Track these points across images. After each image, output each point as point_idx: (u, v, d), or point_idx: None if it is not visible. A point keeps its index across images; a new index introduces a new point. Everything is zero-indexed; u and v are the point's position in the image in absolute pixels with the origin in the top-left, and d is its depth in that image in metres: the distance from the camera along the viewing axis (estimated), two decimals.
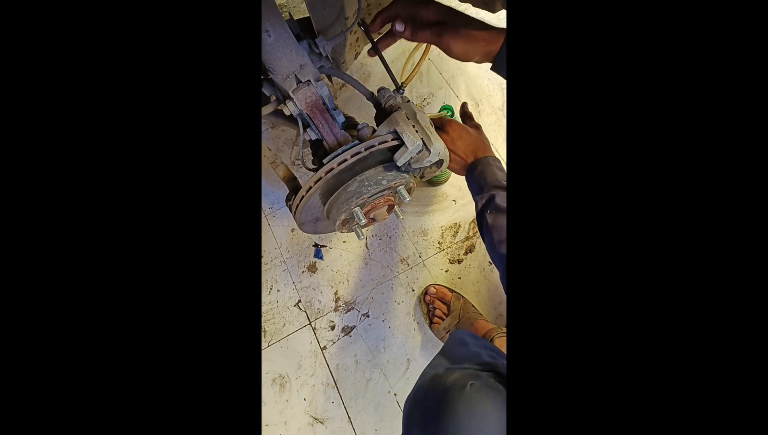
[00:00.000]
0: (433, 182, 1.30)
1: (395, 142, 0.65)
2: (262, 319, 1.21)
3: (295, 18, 0.78)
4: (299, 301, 1.22)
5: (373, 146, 0.63)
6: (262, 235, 1.29)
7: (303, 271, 1.25)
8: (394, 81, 0.74)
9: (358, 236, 0.79)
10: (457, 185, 1.30)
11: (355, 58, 0.96)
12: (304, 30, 0.75)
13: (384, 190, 0.70)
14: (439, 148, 0.67)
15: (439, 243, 1.25)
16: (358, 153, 0.62)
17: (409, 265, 1.23)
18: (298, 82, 0.60)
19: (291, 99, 0.61)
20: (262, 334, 1.19)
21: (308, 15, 0.75)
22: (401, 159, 0.65)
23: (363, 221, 0.70)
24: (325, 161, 0.63)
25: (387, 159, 0.68)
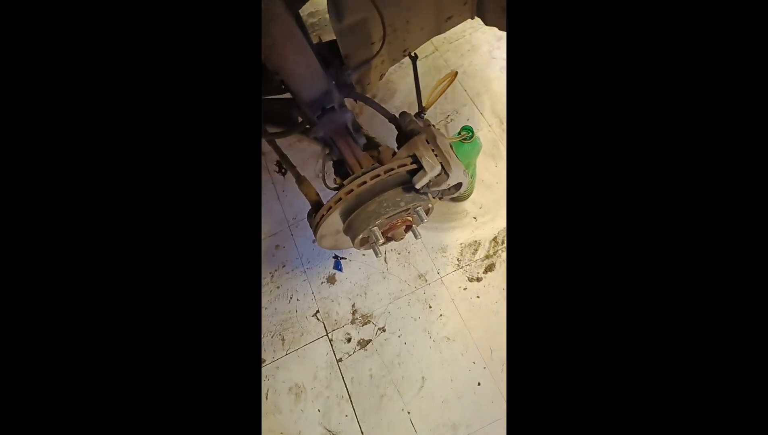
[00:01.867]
0: (455, 198, 1.30)
1: (414, 166, 0.66)
2: (282, 327, 1.24)
3: (325, 40, 0.82)
4: (317, 311, 1.25)
5: (392, 169, 0.65)
6: (285, 246, 1.33)
7: (322, 282, 1.28)
8: (420, 104, 0.76)
9: (376, 254, 0.80)
10: (478, 202, 1.29)
11: (380, 78, 0.98)
12: (332, 53, 0.79)
13: (402, 211, 0.71)
14: (457, 172, 0.68)
15: (458, 260, 1.24)
16: (378, 176, 0.64)
17: (426, 281, 1.23)
18: (323, 108, 0.62)
19: (315, 123, 0.64)
20: (281, 342, 1.22)
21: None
22: (420, 182, 0.66)
23: (381, 241, 0.72)
24: (345, 182, 0.66)
25: (406, 181, 0.70)
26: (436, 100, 0.75)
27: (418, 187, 0.67)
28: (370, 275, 1.26)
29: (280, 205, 1.39)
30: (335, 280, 1.27)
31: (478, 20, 1.01)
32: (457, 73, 0.73)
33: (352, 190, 0.65)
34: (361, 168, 0.69)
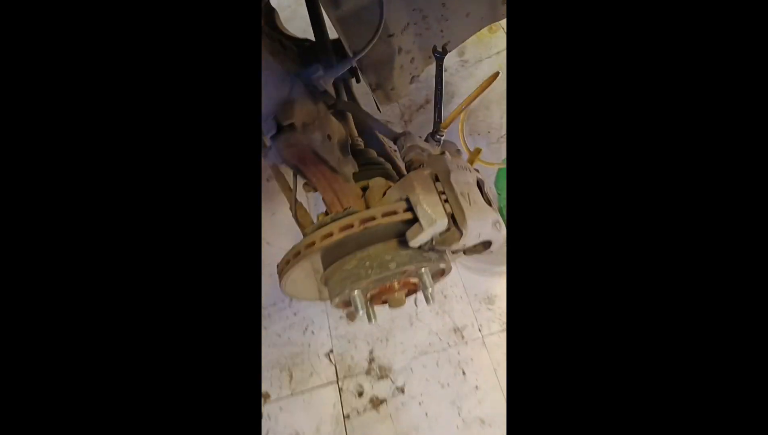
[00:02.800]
0: None
1: (408, 215, 0.44)
2: (292, 362, 1.11)
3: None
4: (331, 350, 1.08)
5: (372, 219, 0.43)
6: None
7: (341, 317, 1.10)
8: (437, 120, 0.53)
9: (369, 319, 0.59)
10: None
11: (411, 82, 0.77)
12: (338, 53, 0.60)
13: (394, 274, 0.49)
14: (478, 227, 0.44)
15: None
16: (349, 227, 0.44)
17: (464, 338, 0.97)
18: (278, 126, 0.44)
19: (269, 146, 0.46)
20: (288, 379, 1.09)
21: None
22: (414, 240, 0.44)
23: (361, 312, 0.51)
24: (308, 231, 0.47)
25: (401, 233, 0.48)
26: (458, 114, 0.51)
27: (412, 245, 0.45)
28: (396, 318, 1.05)
29: None
30: (355, 317, 1.09)
31: None
32: (498, 73, 0.48)
33: (313, 244, 0.45)
34: (342, 207, 0.49)
